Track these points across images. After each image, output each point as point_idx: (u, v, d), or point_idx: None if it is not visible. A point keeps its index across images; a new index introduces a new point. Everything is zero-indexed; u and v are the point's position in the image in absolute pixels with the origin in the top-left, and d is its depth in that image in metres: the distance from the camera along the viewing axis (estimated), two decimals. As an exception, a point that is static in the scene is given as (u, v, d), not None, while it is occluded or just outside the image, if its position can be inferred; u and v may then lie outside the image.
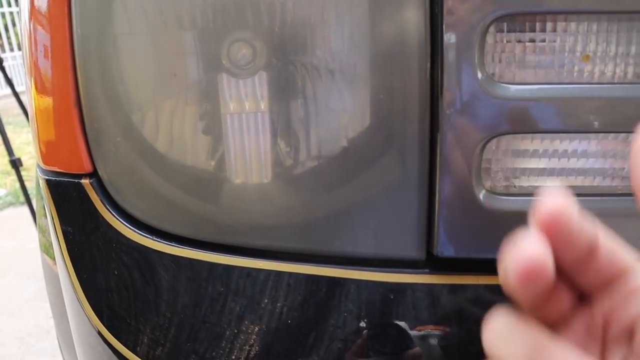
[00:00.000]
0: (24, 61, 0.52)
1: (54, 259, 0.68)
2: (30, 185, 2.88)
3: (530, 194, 0.41)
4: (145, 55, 0.45)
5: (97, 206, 0.48)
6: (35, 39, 0.46)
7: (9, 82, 2.30)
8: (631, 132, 0.39)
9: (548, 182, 0.41)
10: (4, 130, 2.07)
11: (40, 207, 0.78)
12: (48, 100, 0.47)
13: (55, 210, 0.50)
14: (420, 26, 0.38)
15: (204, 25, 0.42)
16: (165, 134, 0.45)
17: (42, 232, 0.77)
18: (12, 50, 7.35)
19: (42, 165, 0.51)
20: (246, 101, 0.44)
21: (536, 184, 0.42)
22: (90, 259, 0.49)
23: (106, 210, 0.48)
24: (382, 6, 0.39)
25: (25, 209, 2.87)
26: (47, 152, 0.49)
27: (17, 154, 2.13)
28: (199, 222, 0.46)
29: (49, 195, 0.50)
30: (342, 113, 0.42)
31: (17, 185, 3.35)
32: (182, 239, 0.46)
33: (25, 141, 4.44)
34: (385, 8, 0.39)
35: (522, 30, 0.38)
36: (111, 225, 0.48)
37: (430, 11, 0.38)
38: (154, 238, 0.47)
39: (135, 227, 0.47)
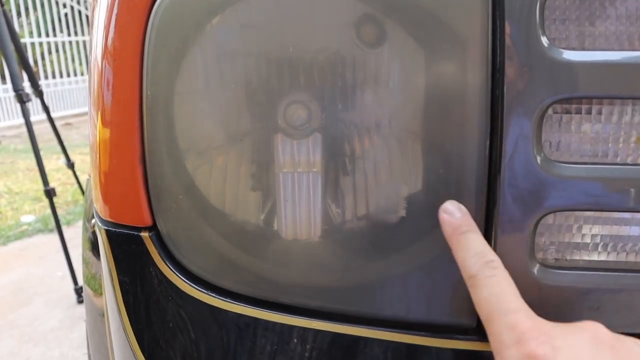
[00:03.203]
0: (90, 117, 0.55)
1: (95, 290, 0.70)
2: (59, 212, 2.94)
3: (581, 268, 0.42)
4: (207, 117, 0.47)
5: (155, 259, 0.50)
6: (105, 103, 0.48)
7: (47, 111, 2.38)
8: (684, 212, 0.40)
9: (599, 257, 0.42)
10: (40, 159, 2.12)
11: (85, 239, 0.81)
12: (113, 156, 0.50)
13: (113, 261, 0.52)
14: (481, 102, 0.40)
15: (262, 88, 0.44)
16: (223, 193, 0.47)
17: (86, 264, 0.80)
18: (46, 78, 7.57)
19: (102, 216, 0.53)
20: (301, 161, 0.46)
21: (587, 258, 0.43)
22: (145, 310, 0.51)
23: (164, 264, 0.49)
24: (440, 72, 0.41)
25: (53, 236, 2.93)
26: (109, 204, 0.52)
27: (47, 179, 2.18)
28: (254, 280, 0.47)
29: (108, 245, 0.52)
30: (395, 178, 0.44)
31: (46, 212, 3.44)
32: (238, 296, 0.48)
33: (54, 168, 4.54)
34: (444, 74, 0.41)
35: (579, 112, 0.40)
36: (168, 279, 0.49)
37: (492, 91, 0.40)
38: (210, 293, 0.48)
39: (191, 282, 0.49)
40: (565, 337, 0.34)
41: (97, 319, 0.68)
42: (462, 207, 0.41)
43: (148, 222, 0.50)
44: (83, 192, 2.79)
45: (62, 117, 7.32)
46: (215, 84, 0.45)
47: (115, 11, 0.47)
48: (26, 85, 2.22)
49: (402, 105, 0.42)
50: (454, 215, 0.41)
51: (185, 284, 0.49)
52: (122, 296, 0.52)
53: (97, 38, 0.50)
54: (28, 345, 1.99)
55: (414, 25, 0.41)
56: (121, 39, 0.47)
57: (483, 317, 0.37)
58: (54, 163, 4.69)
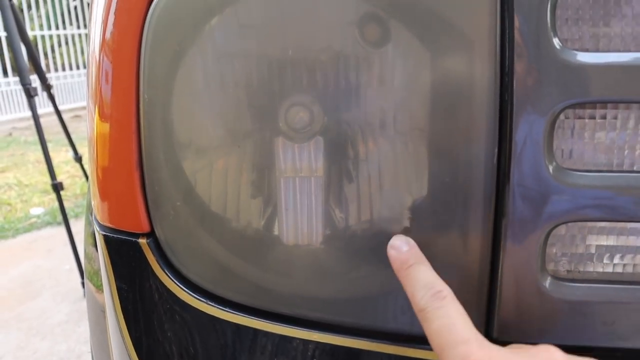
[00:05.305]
0: (88, 116, 0.53)
1: (97, 287, 0.69)
2: (67, 205, 2.95)
3: (595, 281, 0.40)
4: (205, 121, 0.45)
5: (152, 266, 0.48)
6: (103, 109, 0.47)
7: (55, 106, 2.38)
8: None
9: (614, 269, 0.40)
10: (48, 153, 2.12)
11: (88, 234, 0.80)
12: (110, 161, 0.48)
13: (111, 267, 0.51)
14: (489, 108, 0.38)
15: (262, 90, 0.43)
16: (223, 200, 0.45)
17: (89, 259, 0.79)
18: (56, 70, 7.59)
19: (100, 221, 0.51)
20: (302, 165, 0.44)
21: (601, 270, 0.41)
22: (143, 317, 0.49)
23: (162, 271, 0.48)
24: (446, 75, 0.39)
25: (61, 229, 2.93)
26: (107, 210, 0.50)
27: (56, 172, 2.18)
28: (253, 290, 0.46)
29: (106, 251, 0.51)
30: (399, 186, 0.42)
31: (55, 204, 3.45)
32: (237, 305, 0.46)
33: (63, 160, 4.55)
34: (450, 77, 0.39)
35: (593, 118, 0.38)
36: (166, 286, 0.48)
37: (500, 96, 0.38)
38: (208, 302, 0.47)
39: (189, 290, 0.47)
40: None
41: (99, 315, 0.67)
42: (410, 240, 0.41)
43: (146, 228, 0.48)
44: (91, 186, 2.78)
45: (71, 110, 7.34)
46: (214, 87, 0.43)
47: (111, 13, 0.45)
48: (34, 77, 2.21)
49: (407, 110, 0.40)
50: (401, 250, 0.40)
51: (183, 292, 0.48)
52: (120, 303, 0.51)
53: (94, 45, 0.48)
54: (35, 338, 2.00)
55: (419, 26, 0.39)
56: (118, 42, 0.45)
57: (436, 350, 0.35)
58: (63, 155, 4.70)
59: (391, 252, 0.40)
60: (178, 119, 0.45)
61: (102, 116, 0.48)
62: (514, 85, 0.37)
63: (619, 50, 0.37)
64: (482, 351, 0.33)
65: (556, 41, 0.37)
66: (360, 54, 0.41)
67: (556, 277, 0.40)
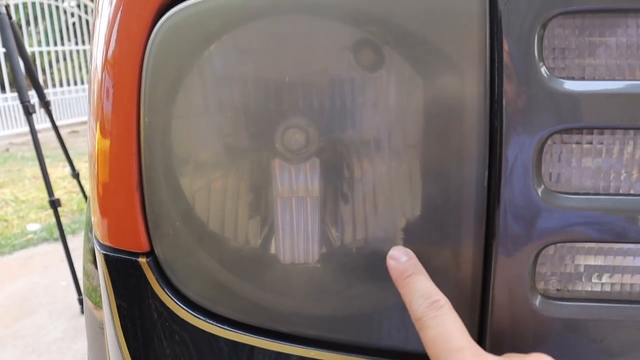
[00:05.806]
0: (89, 132, 0.55)
1: (96, 303, 0.70)
2: (64, 221, 2.95)
3: (583, 299, 0.42)
4: (204, 144, 0.46)
5: (152, 285, 0.49)
6: (104, 130, 0.48)
7: (53, 122, 2.39)
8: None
9: (603, 288, 0.41)
10: (46, 171, 2.13)
11: (87, 251, 0.80)
12: (111, 182, 0.49)
13: (111, 285, 0.52)
14: (479, 134, 0.40)
15: (259, 113, 0.44)
16: (221, 220, 0.47)
17: (87, 275, 0.79)
18: (54, 86, 7.61)
19: (100, 240, 0.52)
20: (299, 186, 0.45)
21: (590, 289, 0.42)
22: (143, 335, 0.50)
23: (161, 290, 0.49)
24: (437, 102, 0.40)
25: (58, 245, 2.93)
26: (107, 230, 0.51)
27: (53, 188, 2.18)
28: (251, 308, 0.47)
29: (106, 270, 0.52)
30: (393, 207, 0.43)
31: (52, 220, 3.44)
32: (235, 323, 0.47)
33: (60, 175, 4.55)
34: (441, 104, 0.40)
35: (579, 143, 0.39)
36: (165, 305, 0.49)
37: (490, 122, 0.39)
38: (207, 320, 0.48)
39: (188, 308, 0.48)
40: None
41: (97, 331, 0.68)
42: (409, 251, 0.42)
43: (145, 247, 0.49)
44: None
45: (68, 125, 7.36)
46: (212, 111, 0.45)
47: (113, 40, 0.47)
48: (32, 93, 2.23)
49: (400, 132, 0.42)
50: (400, 260, 0.41)
51: (183, 310, 0.48)
52: (120, 321, 0.52)
53: (96, 71, 0.50)
54: (31, 356, 1.99)
55: (412, 53, 0.40)
56: (118, 71, 0.47)
57: (432, 359, 0.36)
58: (60, 171, 4.70)
59: (390, 263, 0.41)
60: (178, 142, 0.46)
61: (103, 133, 0.49)
62: (503, 111, 0.39)
63: (604, 79, 0.39)
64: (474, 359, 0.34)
65: (543, 70, 0.38)
66: (354, 77, 0.42)
67: (546, 296, 0.42)
